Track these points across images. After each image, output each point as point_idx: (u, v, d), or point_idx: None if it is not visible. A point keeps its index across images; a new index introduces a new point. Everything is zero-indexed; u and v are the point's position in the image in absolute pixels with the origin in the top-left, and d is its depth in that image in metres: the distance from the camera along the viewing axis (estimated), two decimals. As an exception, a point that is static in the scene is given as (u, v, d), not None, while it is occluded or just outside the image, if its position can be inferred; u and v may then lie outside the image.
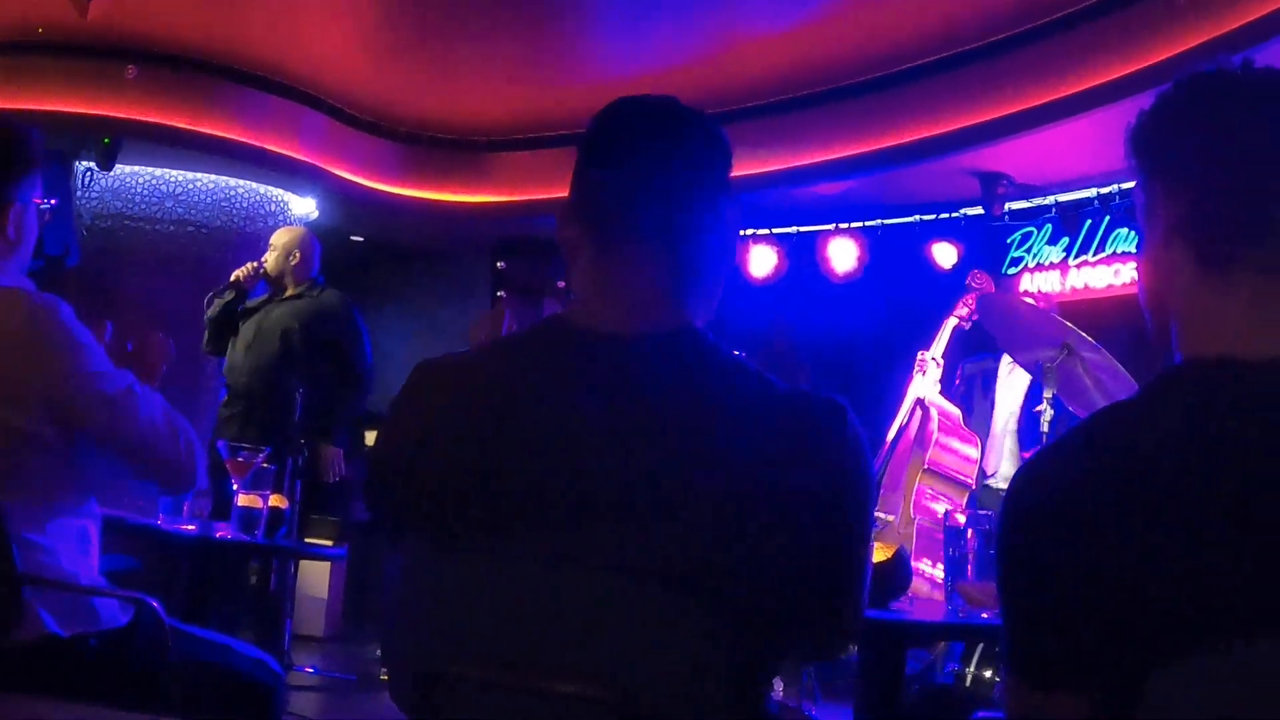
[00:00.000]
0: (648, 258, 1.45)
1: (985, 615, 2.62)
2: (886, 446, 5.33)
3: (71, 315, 2.14)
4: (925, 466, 5.19)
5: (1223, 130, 1.29)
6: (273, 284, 5.50)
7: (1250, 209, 1.27)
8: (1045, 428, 3.90)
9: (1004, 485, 5.16)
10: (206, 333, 5.51)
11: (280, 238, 5.56)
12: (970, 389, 5.74)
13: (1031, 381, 5.09)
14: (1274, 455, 1.15)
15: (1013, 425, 5.54)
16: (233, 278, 5.47)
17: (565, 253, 1.51)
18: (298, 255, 5.46)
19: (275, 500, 3.29)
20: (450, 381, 1.45)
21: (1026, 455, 5.12)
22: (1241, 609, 1.11)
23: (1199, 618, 1.11)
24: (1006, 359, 5.40)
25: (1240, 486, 1.13)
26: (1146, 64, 5.59)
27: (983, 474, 5.42)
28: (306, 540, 3.59)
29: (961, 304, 5.51)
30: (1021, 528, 1.24)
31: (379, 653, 4.15)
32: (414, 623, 1.35)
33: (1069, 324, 3.76)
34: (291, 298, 5.43)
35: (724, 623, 1.25)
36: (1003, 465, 5.52)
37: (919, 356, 5.48)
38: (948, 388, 5.56)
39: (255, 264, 5.47)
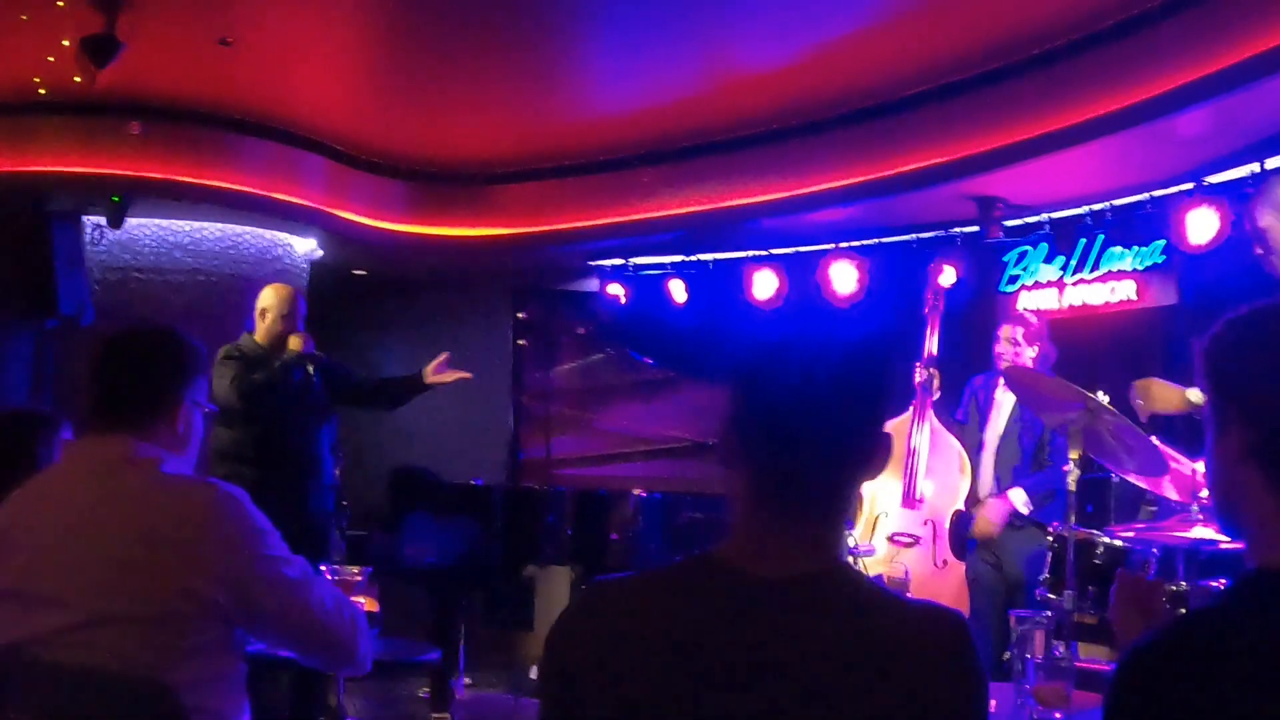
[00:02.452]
0: (808, 512, 1.55)
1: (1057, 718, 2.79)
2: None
3: (254, 506, 2.28)
4: None
5: None
6: (275, 344, 5.36)
7: None
8: (1073, 486, 4.05)
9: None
10: (246, 398, 5.21)
11: (278, 297, 5.43)
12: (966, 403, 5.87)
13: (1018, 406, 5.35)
14: None
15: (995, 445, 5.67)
16: (282, 361, 5.29)
17: (724, 473, 1.60)
18: (297, 313, 5.41)
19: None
20: (620, 609, 1.58)
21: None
22: None
23: None
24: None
25: None
26: (1141, 98, 5.73)
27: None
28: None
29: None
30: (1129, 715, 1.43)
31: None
32: None
33: (1083, 390, 3.94)
34: (300, 357, 5.32)
35: None
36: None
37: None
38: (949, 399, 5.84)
39: (297, 339, 5.32)
